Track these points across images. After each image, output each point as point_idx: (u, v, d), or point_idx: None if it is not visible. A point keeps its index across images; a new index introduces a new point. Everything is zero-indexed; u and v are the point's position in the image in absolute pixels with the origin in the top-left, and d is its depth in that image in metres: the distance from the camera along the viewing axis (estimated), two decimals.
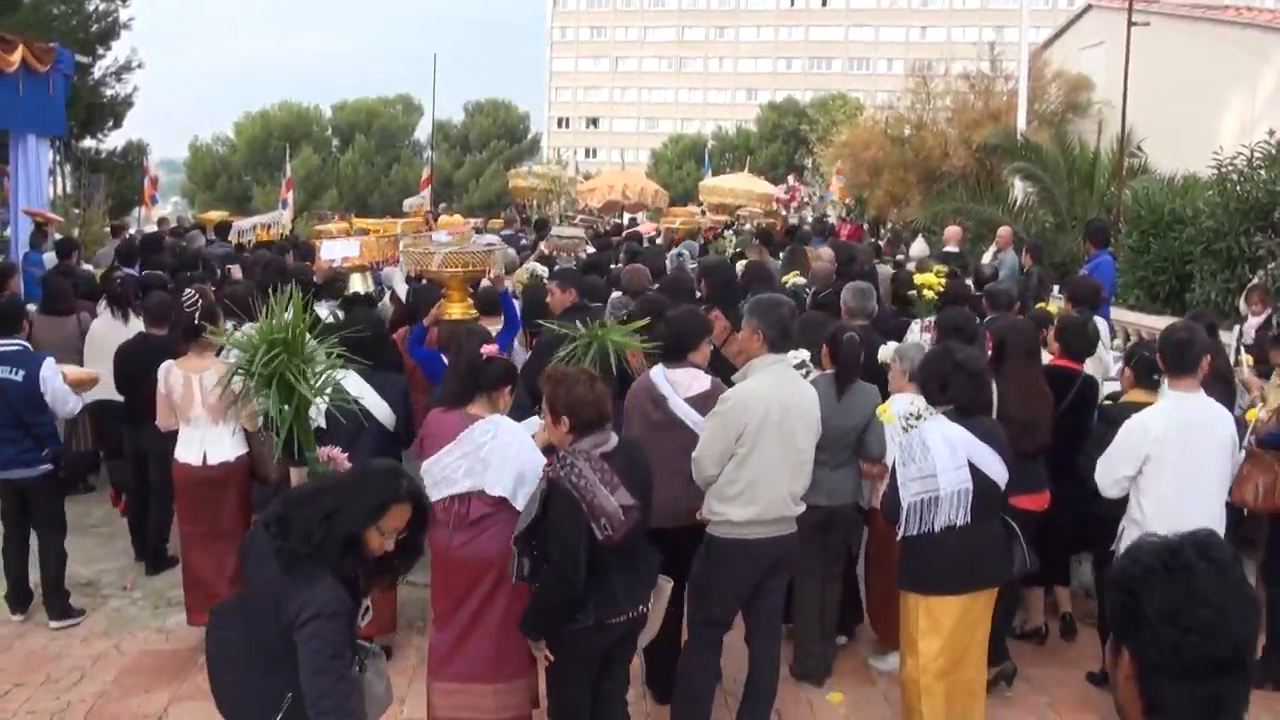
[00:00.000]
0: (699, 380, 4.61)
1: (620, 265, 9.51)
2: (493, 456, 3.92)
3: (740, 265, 9.06)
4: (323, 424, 5.08)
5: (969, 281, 8.21)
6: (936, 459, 4.12)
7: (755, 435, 4.10)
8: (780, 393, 4.16)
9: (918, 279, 6.96)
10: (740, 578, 4.20)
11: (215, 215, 18.09)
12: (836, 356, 5.05)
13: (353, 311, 6.17)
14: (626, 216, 24.97)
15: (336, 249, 6.94)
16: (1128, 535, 4.45)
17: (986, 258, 11.99)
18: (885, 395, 5.16)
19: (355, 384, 5.18)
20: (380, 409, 5.20)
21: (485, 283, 6.26)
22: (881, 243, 18.39)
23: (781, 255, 10.77)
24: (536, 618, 3.56)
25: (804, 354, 5.36)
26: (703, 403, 4.46)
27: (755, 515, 4.14)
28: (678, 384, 4.57)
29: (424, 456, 4.11)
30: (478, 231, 15.31)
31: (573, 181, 19.80)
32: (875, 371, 5.39)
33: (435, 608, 4.07)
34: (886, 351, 5.53)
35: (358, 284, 6.87)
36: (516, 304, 6.43)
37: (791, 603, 4.92)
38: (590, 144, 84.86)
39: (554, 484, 3.45)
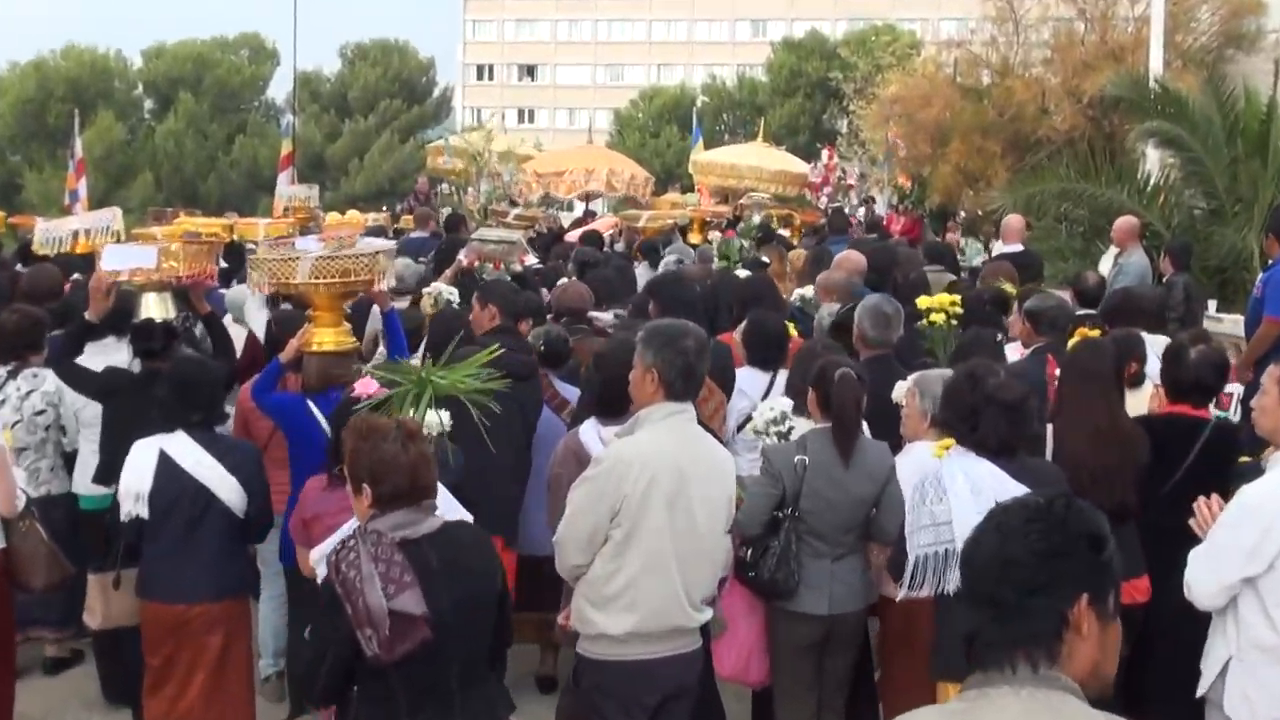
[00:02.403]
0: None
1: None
2: None
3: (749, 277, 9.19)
4: (142, 513, 5.27)
5: (1064, 295, 8.39)
6: (954, 503, 4.43)
7: (638, 512, 4.34)
8: (676, 454, 4.41)
9: (922, 302, 7.42)
10: (621, 714, 4.43)
11: None
12: (828, 403, 5.29)
13: (154, 353, 6.34)
14: (578, 206, 25.14)
15: (122, 257, 6.90)
16: (1245, 673, 4.41)
17: (1105, 263, 12.06)
18: (898, 446, 5.48)
19: (187, 451, 5.30)
20: (226, 487, 5.33)
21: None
22: (959, 238, 18.61)
23: (796, 260, 10.90)
24: None
25: (784, 403, 5.74)
26: None
27: (635, 626, 4.38)
28: None
29: (313, 544, 4.40)
30: (374, 234, 15.33)
31: (507, 157, 19.79)
32: (895, 417, 5.68)
33: None
34: (901, 388, 5.82)
35: (154, 308, 6.83)
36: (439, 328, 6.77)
37: None
38: (525, 102, 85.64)
39: (327, 576, 3.72)
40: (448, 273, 9.80)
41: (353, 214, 18.86)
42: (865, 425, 5.51)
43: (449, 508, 4.45)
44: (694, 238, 16.87)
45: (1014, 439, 4.69)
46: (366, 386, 4.87)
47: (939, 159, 19.61)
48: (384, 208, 26.71)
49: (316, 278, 6.02)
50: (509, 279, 9.26)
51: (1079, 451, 5.42)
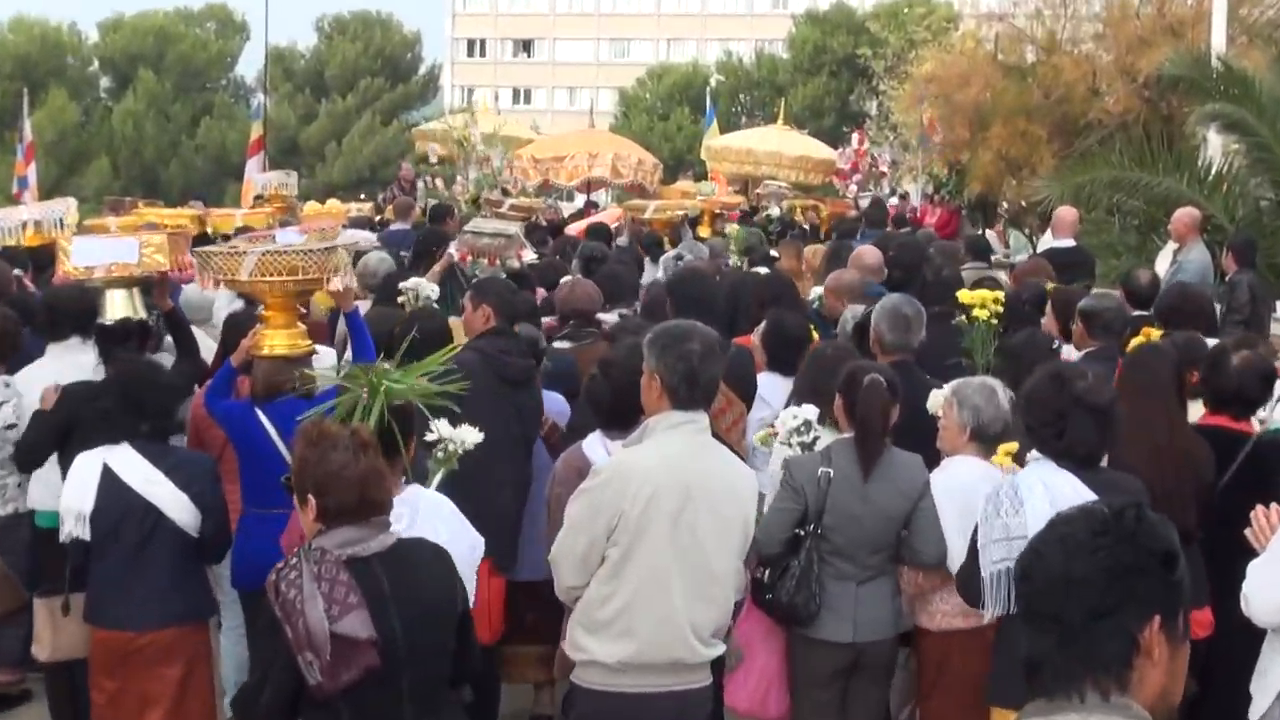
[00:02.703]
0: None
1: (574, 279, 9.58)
2: None
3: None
4: (83, 534, 5.29)
5: (1114, 293, 8.41)
6: (1031, 516, 4.43)
7: (636, 529, 4.38)
8: (683, 468, 4.45)
9: (964, 296, 7.45)
10: None
11: None
12: (854, 411, 5.35)
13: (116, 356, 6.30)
14: (579, 198, 25.15)
15: (96, 252, 6.91)
16: None
17: (1162, 259, 12.06)
18: (935, 462, 5.50)
19: (133, 466, 5.31)
20: (176, 505, 5.33)
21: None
22: (997, 233, 18.63)
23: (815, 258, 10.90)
24: None
25: (810, 411, 5.77)
26: None
27: (631, 655, 4.41)
28: None
29: None
30: (359, 225, 15.34)
31: (493, 140, 19.72)
32: (924, 429, 5.71)
33: None
34: (938, 398, 5.83)
35: (121, 306, 6.84)
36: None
37: None
38: (521, 81, 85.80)
39: (266, 596, 3.78)
40: (435, 268, 9.78)
41: (333, 203, 18.95)
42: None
43: (457, 529, 4.52)
44: (705, 231, 16.90)
45: (1102, 447, 4.75)
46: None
47: (978, 144, 19.64)
48: (362, 196, 26.77)
49: (262, 274, 6.01)
50: (505, 276, 9.24)
51: (1135, 470, 5.36)
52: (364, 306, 8.58)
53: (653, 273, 12.00)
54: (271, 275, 6.01)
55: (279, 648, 3.66)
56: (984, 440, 5.42)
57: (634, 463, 4.45)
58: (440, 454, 5.17)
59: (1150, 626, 2.19)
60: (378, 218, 18.69)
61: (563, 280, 8.90)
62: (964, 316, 7.29)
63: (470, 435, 5.17)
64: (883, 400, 5.31)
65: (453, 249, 10.12)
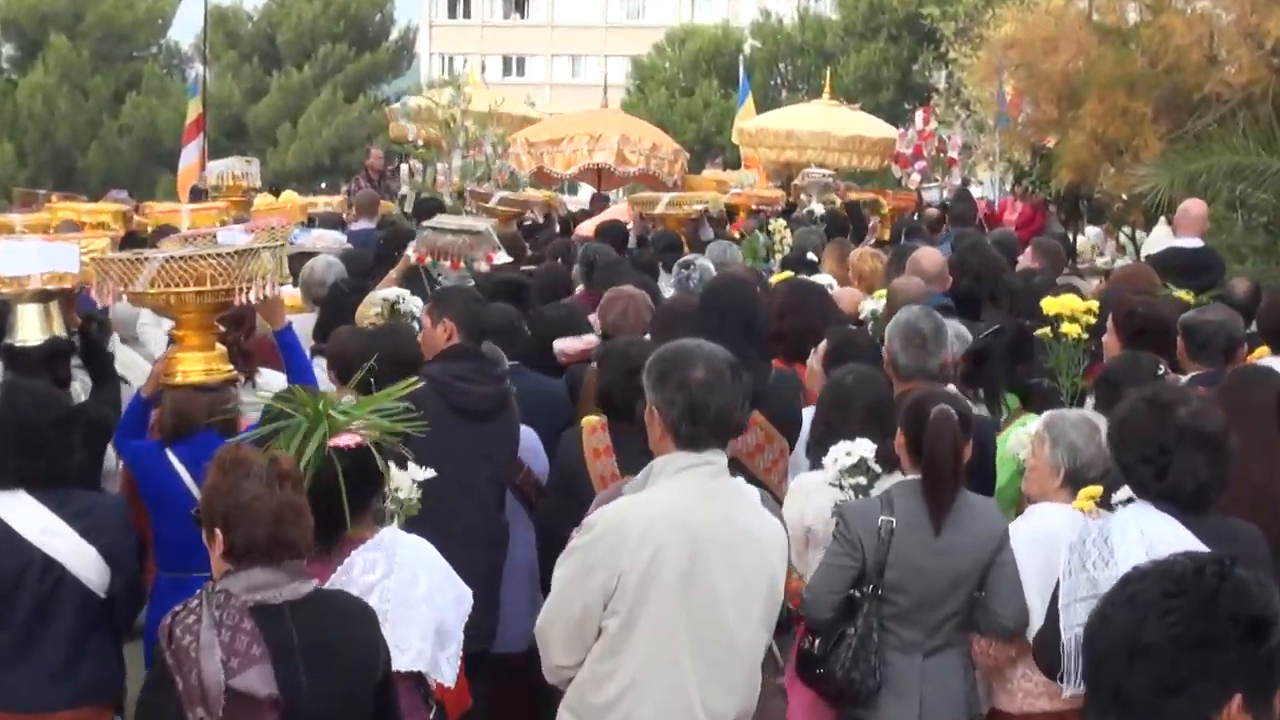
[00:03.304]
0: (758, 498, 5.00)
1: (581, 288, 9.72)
2: (389, 606, 4.44)
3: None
4: None
5: (1179, 297, 8.50)
6: (1123, 569, 4.36)
7: (638, 595, 4.38)
8: (691, 519, 4.46)
9: (1050, 305, 7.45)
10: None
11: None
12: (919, 449, 5.42)
13: (62, 382, 6.39)
14: (583, 191, 25.20)
15: (25, 259, 6.96)
16: None
17: None
18: (1017, 510, 5.59)
19: (29, 515, 5.33)
20: (81, 559, 5.35)
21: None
22: (1105, 231, 18.58)
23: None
24: None
25: (865, 447, 5.79)
26: None
27: None
28: None
29: None
30: (329, 224, 15.34)
31: (487, 120, 19.77)
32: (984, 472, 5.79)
33: None
34: (1023, 437, 5.94)
35: (36, 324, 6.86)
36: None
37: None
38: (513, 48, 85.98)
39: (158, 643, 3.91)
40: (391, 273, 9.82)
41: (289, 196, 18.95)
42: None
43: (440, 579, 4.64)
44: (737, 233, 16.91)
45: (1212, 486, 4.76)
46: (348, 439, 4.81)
47: (1069, 124, 19.55)
48: (323, 185, 26.85)
49: (166, 284, 5.97)
50: (472, 282, 9.30)
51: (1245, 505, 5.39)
52: (307, 322, 8.67)
53: (665, 285, 12.01)
54: (176, 285, 5.95)
55: (165, 703, 3.74)
56: (1080, 486, 5.45)
57: (632, 513, 4.48)
58: (392, 503, 5.20)
59: (1230, 707, 2.17)
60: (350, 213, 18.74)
61: (611, 295, 8.87)
62: (1049, 330, 7.30)
63: (410, 479, 5.20)
64: (956, 435, 5.36)
65: (410, 249, 10.13)
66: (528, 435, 7.08)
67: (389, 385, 5.31)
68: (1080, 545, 4.74)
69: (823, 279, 10.37)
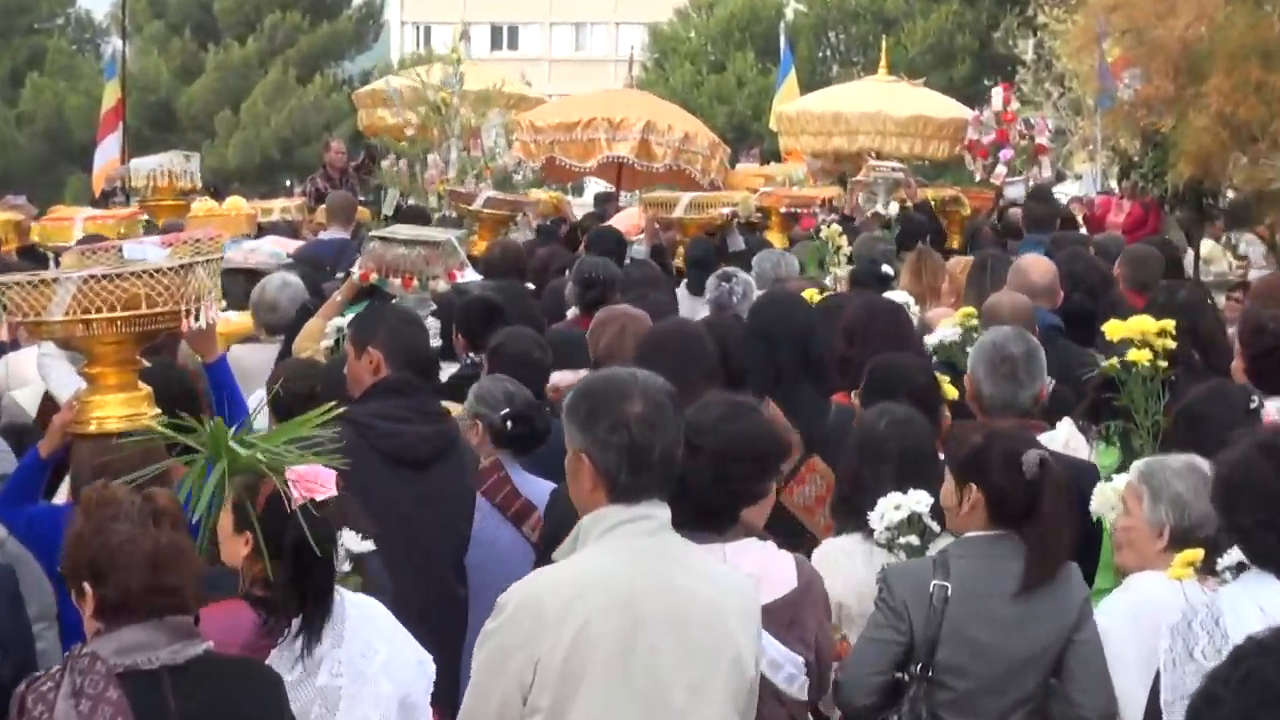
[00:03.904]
0: (763, 562, 5.17)
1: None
2: (342, 683, 4.61)
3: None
4: None
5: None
6: None
7: (561, 683, 4.37)
8: (626, 586, 4.47)
9: (1112, 329, 7.51)
10: None
11: None
12: (1004, 501, 5.47)
13: None
14: (589, 189, 25.19)
15: None
16: None
17: None
18: (1091, 570, 5.65)
19: None
20: None
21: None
22: (1214, 232, 18.53)
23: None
24: None
25: (919, 500, 5.87)
26: (781, 613, 5.02)
27: None
28: None
29: None
30: (286, 234, 15.36)
31: (487, 101, 19.71)
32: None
33: None
34: (1109, 493, 6.01)
35: None
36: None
37: None
38: (503, 15, 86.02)
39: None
40: (335, 297, 9.82)
41: (235, 202, 18.93)
42: None
43: (398, 644, 4.82)
44: (776, 239, 16.96)
45: None
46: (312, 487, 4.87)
47: (1189, 103, 19.57)
48: (288, 183, 26.84)
49: (84, 311, 5.93)
50: (431, 304, 9.44)
51: None
52: (263, 354, 8.77)
53: (693, 307, 12.08)
54: (99, 312, 5.92)
55: None
56: (1188, 549, 5.41)
57: (549, 586, 4.49)
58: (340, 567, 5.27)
59: None
60: (313, 221, 18.68)
61: (604, 316, 8.93)
62: (1115, 362, 7.31)
63: (344, 548, 5.19)
64: (1060, 486, 5.41)
65: (356, 267, 10.07)
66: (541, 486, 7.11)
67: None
68: (1185, 628, 4.68)
69: (898, 296, 10.42)
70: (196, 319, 6.15)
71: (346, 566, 5.23)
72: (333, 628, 4.66)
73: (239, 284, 11.01)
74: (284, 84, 58.50)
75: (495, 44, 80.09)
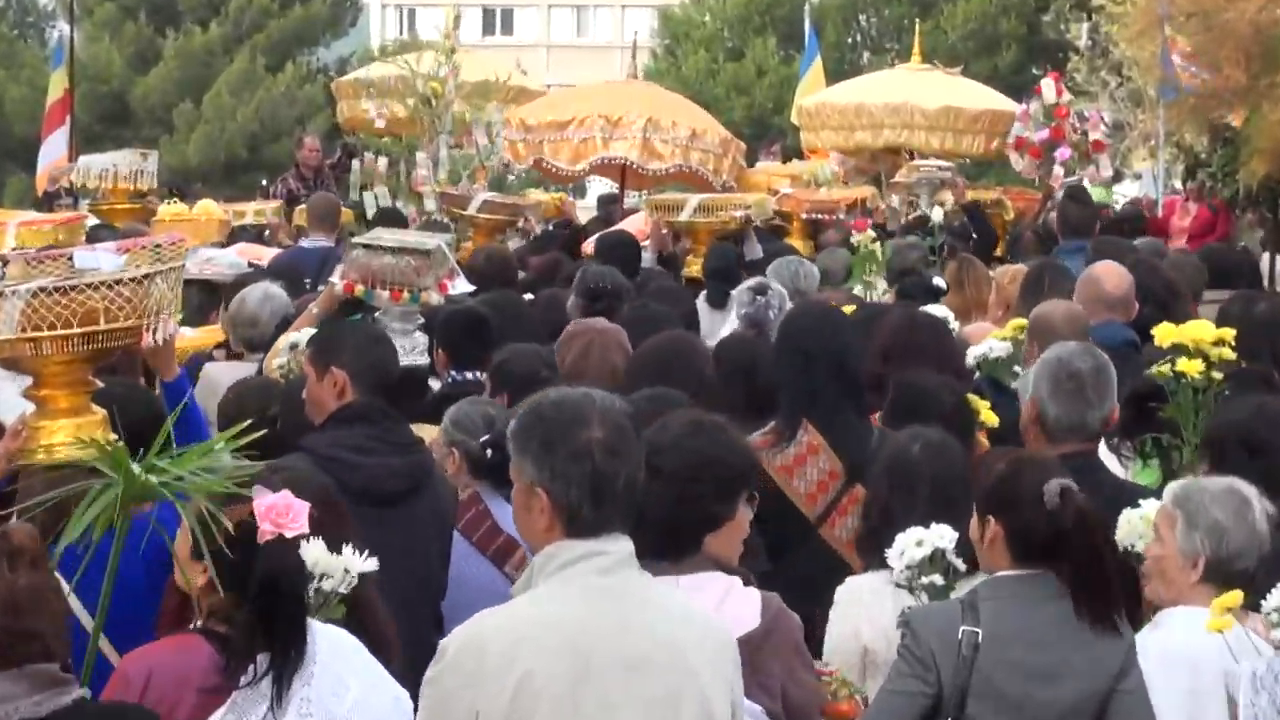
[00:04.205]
0: (720, 598, 5.28)
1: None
2: None
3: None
4: None
5: None
6: None
7: None
8: (577, 630, 4.52)
9: (1163, 334, 7.70)
10: None
11: None
12: (1023, 538, 5.54)
13: None
14: (590, 193, 25.19)
15: None
16: None
17: None
18: (1136, 613, 5.79)
19: None
20: None
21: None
22: None
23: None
24: None
25: (943, 535, 6.05)
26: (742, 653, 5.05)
27: None
28: None
29: None
30: (237, 236, 15.37)
31: (486, 93, 19.67)
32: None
33: None
34: (1136, 521, 6.10)
35: None
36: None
37: None
38: None
39: None
40: (312, 308, 9.90)
41: (206, 206, 18.92)
42: None
43: (373, 679, 4.92)
44: (800, 245, 17.11)
45: None
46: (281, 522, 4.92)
47: (1262, 95, 19.61)
48: (264, 183, 26.83)
49: (34, 328, 6.00)
50: (419, 317, 9.55)
51: None
52: (240, 373, 8.88)
53: (713, 322, 12.15)
54: (51, 329, 5.99)
55: None
56: (1225, 582, 5.44)
57: (492, 630, 4.51)
58: (313, 595, 5.26)
59: None
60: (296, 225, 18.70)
61: (572, 330, 9.11)
62: (1167, 367, 7.40)
63: (343, 567, 5.21)
64: (1093, 516, 5.48)
65: (336, 277, 10.12)
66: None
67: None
68: (1271, 680, 4.75)
69: (937, 310, 10.58)
70: (156, 334, 6.22)
71: (344, 589, 5.25)
72: (302, 664, 4.71)
73: (194, 295, 11.07)
74: (251, 73, 58.72)
75: (488, 28, 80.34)
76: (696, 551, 5.30)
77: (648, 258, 15.37)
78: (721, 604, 5.23)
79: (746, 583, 5.42)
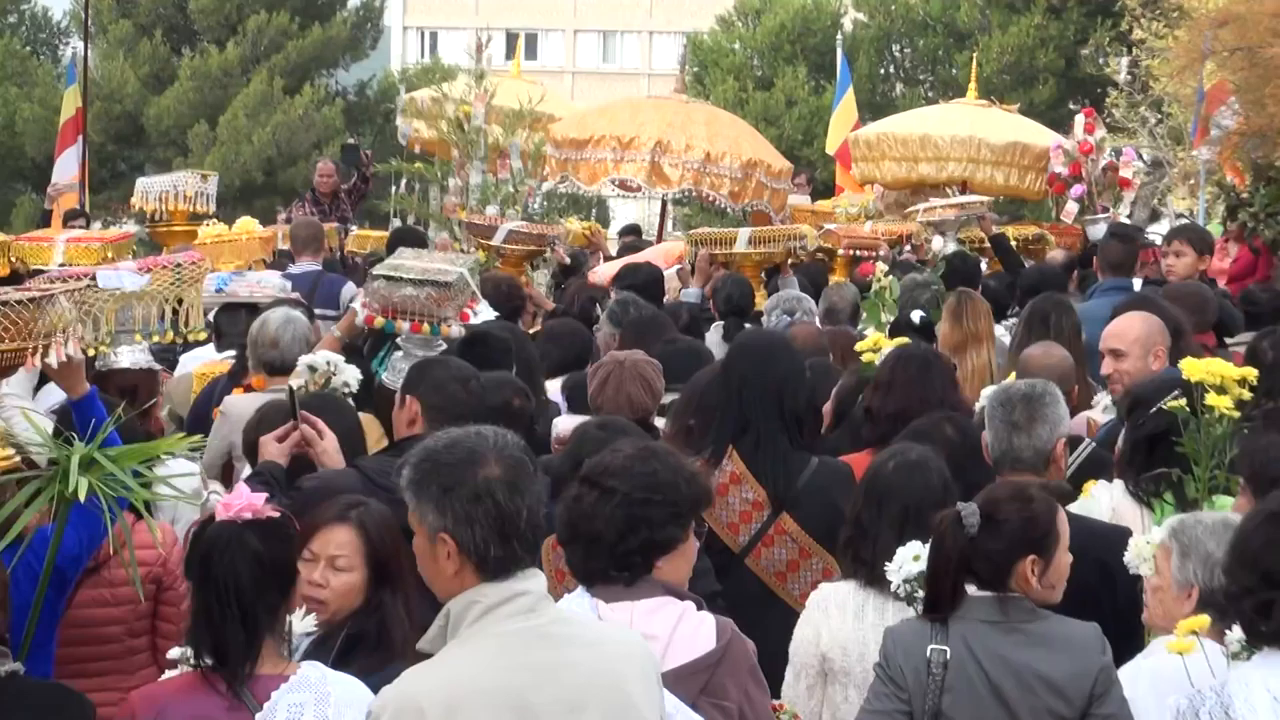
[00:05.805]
0: (674, 623, 5.38)
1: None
2: None
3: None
4: None
5: None
6: None
7: None
8: (510, 678, 4.55)
9: (1191, 368, 7.53)
10: None
11: None
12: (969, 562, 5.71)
13: None
14: (620, 212, 25.13)
15: None
16: None
17: None
18: (1127, 644, 5.97)
19: None
20: None
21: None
22: None
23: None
24: None
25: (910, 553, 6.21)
26: (691, 679, 5.26)
27: None
28: None
29: None
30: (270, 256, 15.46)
31: (517, 120, 19.61)
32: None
33: None
34: (1143, 548, 6.20)
35: None
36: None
37: None
38: (520, 21, 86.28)
39: None
40: (335, 329, 10.06)
41: (247, 223, 18.94)
42: None
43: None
44: (840, 278, 16.81)
45: None
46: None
47: None
48: (282, 207, 26.84)
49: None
50: (442, 344, 9.55)
51: None
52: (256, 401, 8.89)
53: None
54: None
55: None
56: (1220, 613, 5.51)
57: (427, 691, 4.51)
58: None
59: None
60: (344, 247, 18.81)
61: (599, 362, 9.11)
62: (1183, 403, 7.37)
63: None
64: (958, 541, 5.61)
65: (358, 305, 10.14)
66: None
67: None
68: (1192, 715, 4.83)
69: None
70: (46, 356, 6.24)
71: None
72: (316, 704, 4.76)
73: (241, 320, 11.30)
74: (268, 95, 58.50)
75: (510, 52, 79.88)
76: (649, 573, 5.41)
77: (693, 292, 15.41)
78: (676, 629, 5.35)
79: (700, 607, 5.53)
